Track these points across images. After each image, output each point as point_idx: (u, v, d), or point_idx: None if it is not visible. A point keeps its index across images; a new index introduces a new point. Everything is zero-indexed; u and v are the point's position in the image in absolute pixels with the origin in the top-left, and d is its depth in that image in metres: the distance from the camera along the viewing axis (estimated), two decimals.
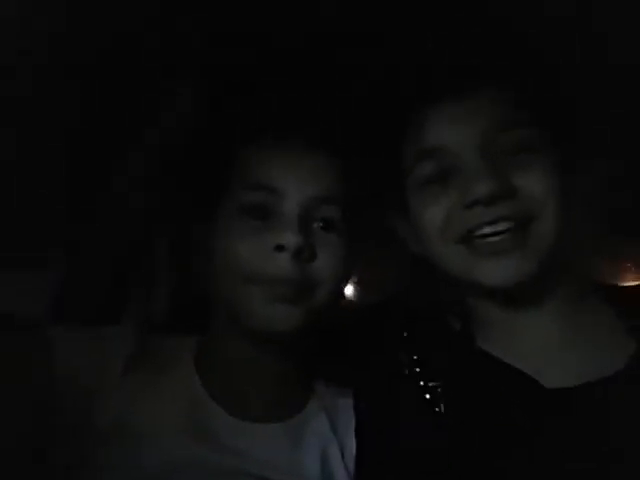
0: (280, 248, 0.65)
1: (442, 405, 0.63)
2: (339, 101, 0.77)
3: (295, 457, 0.68)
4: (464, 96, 0.61)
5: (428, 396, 0.64)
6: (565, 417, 0.57)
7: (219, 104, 0.84)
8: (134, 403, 0.66)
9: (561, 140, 0.62)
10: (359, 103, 0.74)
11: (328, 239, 0.69)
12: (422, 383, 0.65)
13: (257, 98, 0.79)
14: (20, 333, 0.65)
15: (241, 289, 0.67)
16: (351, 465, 0.69)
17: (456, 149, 0.61)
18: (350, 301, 0.87)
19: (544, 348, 0.62)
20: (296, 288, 0.66)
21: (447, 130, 0.62)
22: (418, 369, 0.66)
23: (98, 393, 0.64)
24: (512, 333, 0.64)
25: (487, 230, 0.59)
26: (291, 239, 0.65)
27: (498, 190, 0.58)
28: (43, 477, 0.61)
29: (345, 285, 0.78)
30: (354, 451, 0.68)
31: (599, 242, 0.74)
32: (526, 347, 0.63)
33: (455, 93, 0.61)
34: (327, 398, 0.75)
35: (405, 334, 0.71)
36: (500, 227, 0.59)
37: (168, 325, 0.85)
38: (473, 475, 0.58)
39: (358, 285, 0.87)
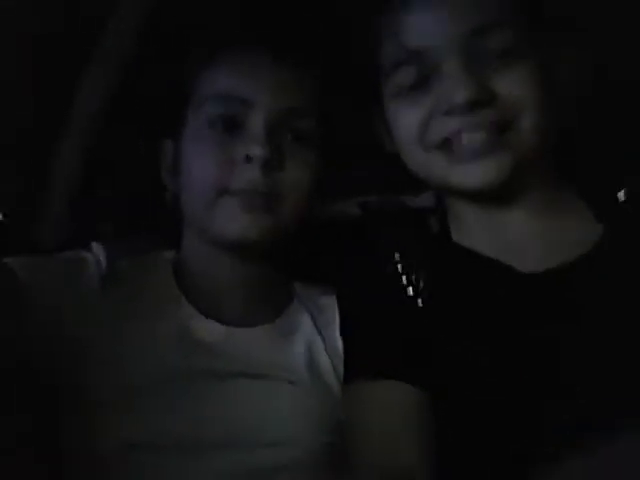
0: (248, 159, 0.66)
1: (421, 299, 0.65)
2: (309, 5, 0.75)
3: (283, 353, 0.70)
4: None
5: (410, 291, 0.66)
6: (539, 299, 0.60)
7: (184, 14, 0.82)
8: (116, 318, 0.67)
9: (540, 43, 0.62)
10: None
11: (298, 150, 0.69)
12: (404, 279, 0.67)
13: (224, 6, 0.77)
14: None
15: (211, 202, 0.67)
16: (335, 358, 0.71)
17: (435, 53, 0.59)
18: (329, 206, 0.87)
19: (519, 240, 0.64)
20: (265, 197, 0.67)
21: (426, 31, 0.60)
22: (400, 266, 0.67)
23: (75, 312, 0.65)
24: (488, 229, 0.66)
25: (465, 137, 0.59)
26: (258, 150, 0.65)
27: (477, 96, 0.57)
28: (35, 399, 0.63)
29: (321, 193, 0.79)
30: (338, 345, 0.71)
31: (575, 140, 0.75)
32: (501, 240, 0.65)
33: None
34: (309, 299, 0.78)
35: (386, 234, 0.72)
36: (478, 135, 0.59)
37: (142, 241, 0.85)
38: (454, 361, 0.61)
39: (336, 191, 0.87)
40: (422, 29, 0.60)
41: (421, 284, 0.66)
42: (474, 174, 0.60)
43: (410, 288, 0.66)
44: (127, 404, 0.62)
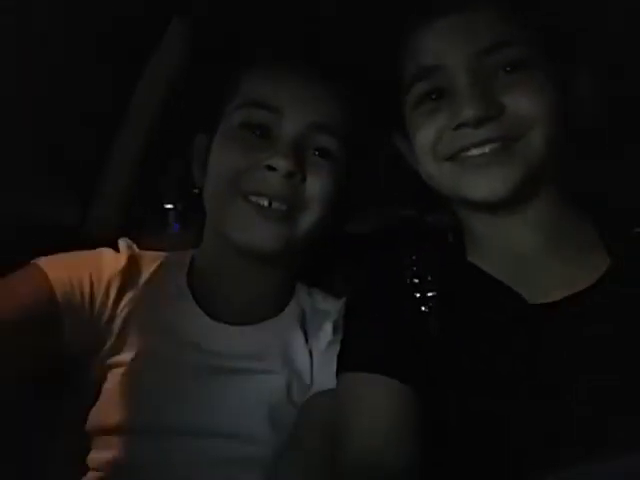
0: (271, 168, 0.68)
1: (428, 309, 0.66)
2: (339, 25, 0.80)
3: (264, 351, 0.72)
4: (462, 13, 0.62)
5: (424, 308, 0.66)
6: (542, 329, 0.60)
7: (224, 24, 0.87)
8: (132, 312, 0.71)
9: (553, 58, 0.63)
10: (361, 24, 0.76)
11: (321, 166, 0.71)
12: (419, 295, 0.67)
13: (261, 19, 0.82)
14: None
15: (231, 203, 0.70)
16: (315, 359, 0.73)
17: (448, 69, 0.62)
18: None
19: (528, 260, 0.65)
20: (284, 208, 0.69)
21: (440, 50, 0.63)
22: (416, 280, 0.68)
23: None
24: (498, 246, 0.67)
25: (474, 152, 0.61)
26: (282, 162, 0.67)
27: (484, 113, 0.59)
28: None
29: (344, 212, 0.82)
30: (321, 348, 0.73)
31: (584, 163, 0.75)
32: (510, 259, 0.65)
33: (454, 10, 0.62)
34: (307, 301, 0.79)
35: (404, 245, 0.74)
36: (487, 149, 0.61)
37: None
38: (450, 376, 0.62)
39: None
40: (436, 49, 0.63)
41: (431, 295, 0.67)
42: (481, 185, 0.61)
43: (419, 297, 0.67)
44: (116, 390, 0.67)
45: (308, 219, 0.71)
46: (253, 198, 0.69)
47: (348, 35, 0.79)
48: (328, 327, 0.74)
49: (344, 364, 0.66)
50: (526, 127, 0.60)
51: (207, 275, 0.77)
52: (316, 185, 0.71)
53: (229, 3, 0.90)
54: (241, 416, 0.67)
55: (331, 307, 0.77)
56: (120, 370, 0.68)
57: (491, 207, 0.64)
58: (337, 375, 0.67)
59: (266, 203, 0.69)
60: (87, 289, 0.69)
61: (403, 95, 0.67)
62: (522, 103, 0.60)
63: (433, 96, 0.64)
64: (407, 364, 0.62)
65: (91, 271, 0.70)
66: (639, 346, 0.57)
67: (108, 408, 0.67)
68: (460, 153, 0.62)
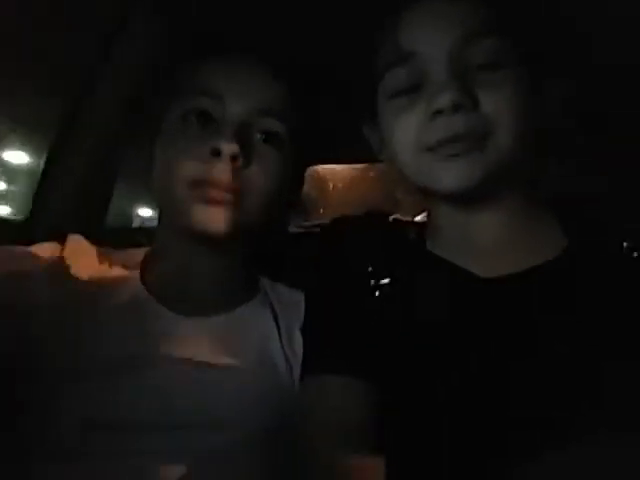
0: (216, 152, 0.67)
1: (385, 301, 0.66)
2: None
3: (232, 342, 0.71)
4: (442, 3, 0.62)
5: (377, 293, 0.66)
6: (497, 304, 0.61)
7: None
8: (78, 303, 0.68)
9: (528, 59, 0.63)
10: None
11: (267, 150, 0.71)
12: (372, 282, 0.67)
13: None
14: None
15: (178, 192, 0.69)
16: (290, 352, 0.72)
17: (426, 57, 0.62)
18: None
19: (485, 246, 0.65)
20: (228, 192, 0.68)
21: (420, 35, 0.62)
22: (368, 269, 0.68)
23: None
24: (460, 236, 0.67)
25: (446, 140, 0.60)
26: (226, 145, 0.67)
27: (460, 99, 0.59)
28: None
29: (294, 197, 0.82)
30: (295, 340, 0.71)
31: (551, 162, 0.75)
32: (471, 247, 0.66)
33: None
34: (273, 294, 0.79)
35: (359, 238, 0.73)
36: (459, 138, 0.60)
37: None
38: (410, 364, 0.61)
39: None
40: (417, 34, 0.63)
41: (387, 287, 0.67)
42: (449, 175, 0.61)
43: (376, 290, 0.67)
44: (82, 385, 0.63)
45: (256, 202, 0.70)
46: (200, 185, 0.68)
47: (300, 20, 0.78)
48: (298, 319, 0.73)
49: (307, 367, 0.66)
50: (496, 124, 0.60)
51: (163, 267, 0.75)
52: (263, 170, 0.70)
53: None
54: (208, 405, 0.66)
55: (296, 298, 0.76)
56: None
57: (456, 199, 0.64)
58: (301, 375, 0.67)
59: (212, 189, 0.68)
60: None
61: (377, 82, 0.66)
62: (495, 101, 0.60)
63: (408, 86, 0.63)
64: (370, 363, 0.62)
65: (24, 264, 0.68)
66: (586, 324, 0.57)
67: (83, 403, 0.63)
68: (438, 147, 0.61)
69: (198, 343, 0.69)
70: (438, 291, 0.64)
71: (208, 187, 0.68)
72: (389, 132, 0.66)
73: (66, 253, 0.72)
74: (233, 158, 0.67)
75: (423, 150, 0.63)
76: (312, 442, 0.60)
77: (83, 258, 0.73)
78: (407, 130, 0.63)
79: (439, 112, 0.60)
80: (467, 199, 0.64)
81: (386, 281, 0.67)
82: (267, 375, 0.70)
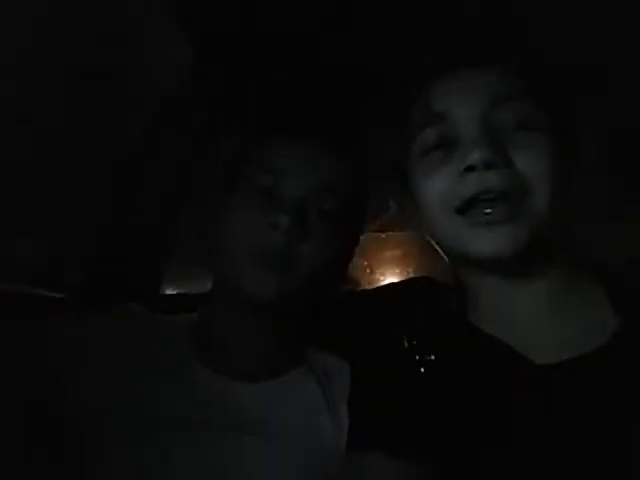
0: (274, 226, 0.71)
1: (432, 378, 0.64)
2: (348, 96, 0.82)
3: (276, 411, 0.72)
4: (472, 66, 0.64)
5: (423, 369, 0.65)
6: (549, 392, 0.58)
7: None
8: (128, 375, 0.71)
9: (562, 122, 0.64)
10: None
11: (323, 227, 0.74)
12: (418, 357, 0.66)
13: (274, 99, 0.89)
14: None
15: (234, 258, 0.72)
16: (337, 426, 0.72)
17: (458, 117, 0.62)
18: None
19: (532, 323, 0.63)
20: (282, 260, 0.71)
21: (451, 97, 0.63)
22: (413, 343, 0.67)
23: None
24: (503, 309, 0.65)
25: (482, 204, 0.59)
26: (283, 218, 0.70)
27: (492, 157, 0.58)
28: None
29: (345, 268, 0.84)
30: (342, 413, 0.70)
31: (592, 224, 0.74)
32: (514, 322, 0.63)
33: (465, 63, 0.64)
34: (319, 366, 0.79)
35: (403, 310, 0.74)
36: (495, 202, 0.59)
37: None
38: (457, 445, 0.59)
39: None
40: (448, 97, 0.64)
41: (432, 363, 0.65)
42: (490, 241, 0.59)
43: (421, 366, 0.65)
44: (132, 450, 0.66)
45: (308, 274, 0.72)
46: (256, 253, 0.71)
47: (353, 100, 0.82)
48: (343, 392, 0.73)
49: (350, 443, 0.65)
50: (532, 185, 0.59)
51: (214, 333, 0.77)
52: (318, 244, 0.73)
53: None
54: (252, 473, 0.67)
55: (342, 370, 0.76)
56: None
57: (496, 267, 0.63)
58: (345, 451, 0.65)
59: (266, 257, 0.71)
60: None
61: (410, 144, 0.67)
62: (530, 160, 0.60)
63: (439, 145, 0.63)
64: (412, 440, 0.61)
65: None
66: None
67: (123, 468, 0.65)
68: (470, 208, 0.60)
69: (241, 409, 0.70)
70: (489, 373, 0.62)
71: (263, 255, 0.71)
72: (421, 193, 0.65)
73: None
74: (289, 230, 0.70)
75: (455, 212, 0.61)
76: None
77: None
78: (438, 188, 0.62)
79: (471, 168, 0.59)
80: (507, 269, 0.62)
81: (431, 357, 0.65)
82: (312, 446, 0.70)
